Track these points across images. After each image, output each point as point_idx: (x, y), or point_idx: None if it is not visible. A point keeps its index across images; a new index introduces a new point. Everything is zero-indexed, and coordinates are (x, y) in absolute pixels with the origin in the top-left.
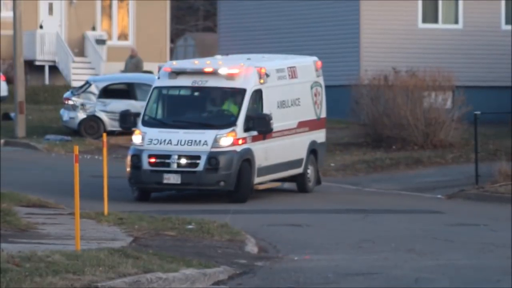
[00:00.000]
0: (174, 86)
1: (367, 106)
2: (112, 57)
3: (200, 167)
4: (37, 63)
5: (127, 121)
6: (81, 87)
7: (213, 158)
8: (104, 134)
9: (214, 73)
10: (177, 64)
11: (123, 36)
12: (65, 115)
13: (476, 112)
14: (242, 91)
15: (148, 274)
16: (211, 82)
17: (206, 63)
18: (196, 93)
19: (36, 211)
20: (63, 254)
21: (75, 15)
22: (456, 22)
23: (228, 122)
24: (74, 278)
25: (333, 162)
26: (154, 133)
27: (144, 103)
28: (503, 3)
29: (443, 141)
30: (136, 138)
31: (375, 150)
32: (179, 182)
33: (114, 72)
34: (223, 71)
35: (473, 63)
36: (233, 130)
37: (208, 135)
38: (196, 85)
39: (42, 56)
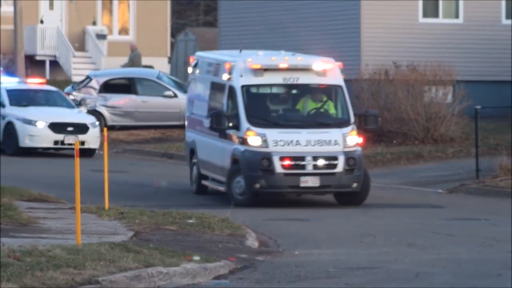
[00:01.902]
0: (265, 84)
1: (367, 101)
2: (112, 52)
3: (339, 168)
4: (37, 57)
5: (221, 123)
6: (82, 81)
7: (351, 158)
8: (105, 129)
9: (304, 70)
10: (265, 61)
11: (123, 30)
12: None
13: (476, 107)
14: (337, 88)
15: (149, 268)
16: (303, 79)
17: (297, 60)
18: (293, 91)
19: (37, 205)
20: (64, 249)
21: (76, 10)
22: (457, 16)
23: (342, 120)
24: (75, 272)
25: None
26: (275, 134)
27: (145, 98)
28: None
29: (444, 135)
30: (255, 140)
31: (376, 144)
32: (317, 185)
33: (114, 66)
34: (317, 67)
35: (474, 57)
36: (353, 129)
37: (333, 134)
38: (289, 82)
39: (42, 51)
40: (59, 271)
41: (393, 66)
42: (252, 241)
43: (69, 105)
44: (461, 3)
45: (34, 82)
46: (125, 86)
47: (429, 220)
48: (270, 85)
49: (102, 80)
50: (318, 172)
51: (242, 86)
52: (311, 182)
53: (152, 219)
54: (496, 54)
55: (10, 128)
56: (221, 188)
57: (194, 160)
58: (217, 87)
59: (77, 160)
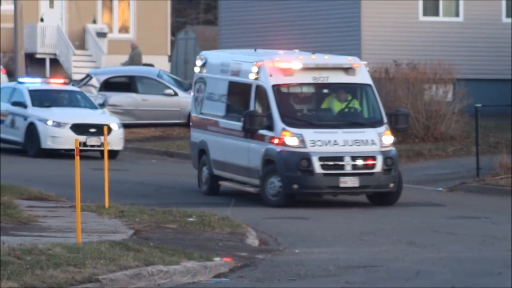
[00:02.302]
0: (295, 83)
1: None
2: (113, 50)
3: (378, 168)
4: (38, 56)
5: (255, 123)
6: (82, 80)
7: (389, 158)
8: (105, 127)
9: (333, 69)
10: (293, 60)
11: (124, 29)
12: None
13: (477, 105)
14: (367, 87)
15: (149, 266)
16: (333, 78)
17: (325, 59)
18: (324, 90)
19: (37, 204)
20: (64, 247)
21: (76, 8)
22: (457, 15)
23: (375, 120)
24: (75, 270)
25: None
26: (311, 134)
27: (145, 96)
28: None
29: (444, 133)
30: (291, 140)
31: None
32: (356, 185)
33: (115, 65)
34: (346, 66)
35: (474, 56)
36: (387, 128)
37: (369, 134)
38: (319, 81)
39: (43, 49)
40: (59, 270)
41: (394, 64)
42: (252, 240)
43: (92, 106)
44: (461, 2)
45: (57, 83)
46: (126, 84)
47: (429, 219)
48: (301, 85)
49: (102, 78)
50: (357, 172)
51: (273, 86)
52: (350, 182)
53: (153, 217)
54: (496, 53)
55: (32, 129)
56: (250, 189)
57: (204, 161)
58: (237, 87)
59: (77, 158)
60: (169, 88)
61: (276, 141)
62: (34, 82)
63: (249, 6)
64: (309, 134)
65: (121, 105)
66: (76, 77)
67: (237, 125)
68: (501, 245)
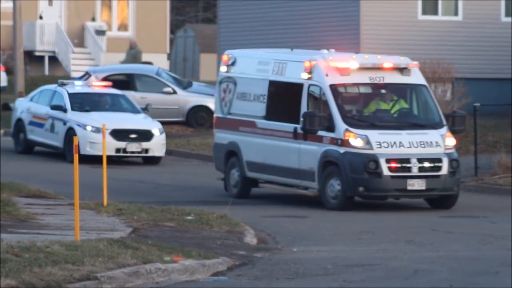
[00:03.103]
0: (352, 83)
1: None
2: (112, 48)
3: (444, 171)
4: (36, 53)
5: (316, 123)
6: (81, 77)
7: (454, 160)
8: (104, 125)
9: (389, 69)
10: (347, 59)
11: (123, 27)
12: None
13: (475, 104)
14: (423, 87)
15: (147, 264)
16: (389, 78)
17: (378, 59)
18: (381, 90)
19: (36, 201)
20: (62, 245)
21: (75, 6)
22: (456, 14)
23: (435, 121)
24: (74, 268)
25: None
26: (376, 135)
27: (144, 94)
28: None
29: None
30: (356, 142)
31: None
32: (423, 188)
33: (113, 63)
34: (401, 66)
35: (473, 55)
36: (448, 130)
37: (433, 136)
38: (376, 81)
39: (42, 47)
40: (57, 267)
41: None
42: (250, 238)
43: (134, 110)
44: (460, 1)
45: (99, 86)
46: (124, 82)
47: (428, 217)
48: (357, 85)
49: (101, 76)
50: (424, 175)
51: (331, 86)
52: (417, 185)
53: (151, 215)
54: (495, 52)
55: (71, 134)
56: (306, 192)
57: (234, 163)
58: (281, 87)
59: (76, 156)
60: (168, 86)
61: (338, 142)
62: (74, 85)
63: (248, 4)
64: (374, 135)
65: None
66: (75, 74)
67: (282, 125)
68: (500, 244)
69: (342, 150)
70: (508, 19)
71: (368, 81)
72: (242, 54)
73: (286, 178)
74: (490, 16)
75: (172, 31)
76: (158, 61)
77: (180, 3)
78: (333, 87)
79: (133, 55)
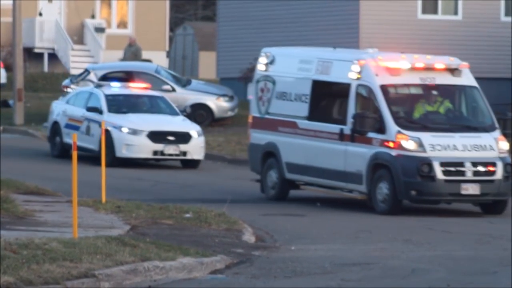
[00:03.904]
0: (403, 84)
1: None
2: (111, 45)
3: (498, 175)
4: (36, 50)
5: (367, 125)
6: (80, 75)
7: (508, 165)
8: (103, 122)
9: (439, 70)
10: (397, 59)
11: (122, 24)
12: None
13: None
14: (474, 89)
15: (145, 262)
16: (440, 79)
17: (428, 59)
18: (432, 92)
19: (34, 198)
20: (60, 242)
21: (75, 3)
22: (456, 13)
23: (487, 124)
24: (71, 265)
25: None
26: (429, 138)
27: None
28: None
29: None
30: (409, 144)
31: None
32: (478, 192)
33: (113, 60)
34: (452, 67)
35: (473, 54)
36: (500, 133)
37: (486, 139)
38: (427, 82)
39: (41, 44)
40: (55, 264)
41: None
42: (248, 236)
43: (173, 112)
44: (460, 1)
45: (137, 87)
46: (123, 79)
47: (425, 217)
48: (408, 85)
49: (101, 73)
50: (478, 179)
51: (381, 86)
52: (472, 189)
53: (149, 213)
54: (495, 51)
55: (107, 136)
56: (354, 195)
57: (272, 164)
58: (326, 86)
59: (75, 153)
60: (167, 84)
61: (390, 144)
62: (112, 87)
63: (247, 2)
64: (427, 137)
65: None
66: (74, 71)
67: (326, 126)
68: (497, 244)
69: (393, 152)
70: (508, 18)
71: (419, 82)
72: (282, 52)
73: (330, 180)
74: (489, 15)
75: (172, 29)
76: (157, 58)
77: (180, 0)
78: (384, 88)
79: (134, 53)
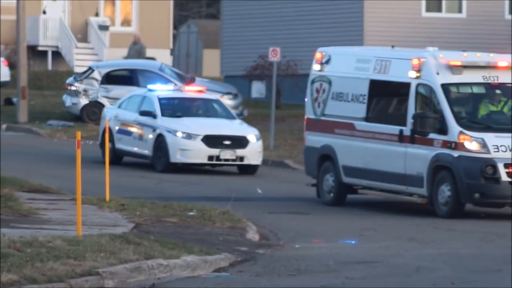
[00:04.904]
0: (465, 83)
1: None
2: (115, 43)
3: None
4: (40, 48)
5: (427, 125)
6: (84, 73)
7: None
8: (106, 120)
9: (503, 68)
10: (458, 57)
11: (126, 22)
12: (68, 100)
13: None
14: None
15: (149, 260)
16: (503, 78)
17: (490, 57)
18: (496, 91)
19: (38, 196)
20: (64, 240)
21: (79, 1)
22: (460, 11)
23: None
24: (75, 263)
25: None
26: (492, 138)
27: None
28: None
29: None
30: (472, 145)
31: None
32: None
33: (117, 58)
34: None
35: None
36: None
37: None
38: (489, 81)
39: (45, 42)
40: (59, 262)
41: None
42: (252, 234)
43: (229, 116)
44: None
45: (192, 90)
46: (127, 77)
47: (430, 215)
48: (470, 84)
49: (104, 71)
50: None
51: (442, 85)
52: None
53: (153, 211)
54: (499, 49)
55: (160, 141)
56: (415, 199)
57: (328, 168)
58: (384, 86)
59: (78, 151)
60: (171, 81)
61: (452, 145)
62: (165, 90)
63: (251, 1)
64: (491, 138)
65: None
66: (78, 70)
67: (385, 127)
68: (502, 242)
69: (455, 154)
70: None
71: (481, 80)
72: (338, 51)
73: (389, 183)
74: (494, 13)
75: (175, 27)
76: (161, 56)
77: None
78: (445, 87)
79: (138, 50)
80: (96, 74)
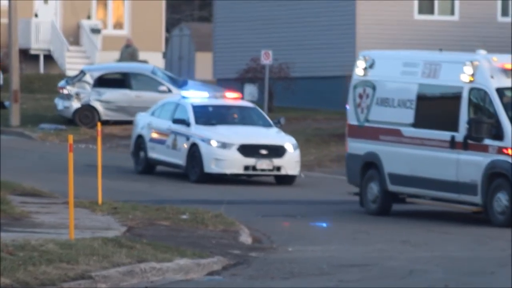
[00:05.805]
0: None
1: None
2: (107, 46)
3: None
4: (32, 51)
5: (483, 131)
6: (76, 76)
7: None
8: (99, 124)
9: None
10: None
11: (118, 25)
12: (60, 104)
13: None
14: None
15: (142, 263)
16: None
17: None
18: None
19: (30, 199)
20: (57, 243)
21: (71, 4)
22: (452, 13)
23: None
24: (68, 267)
25: (328, 153)
26: None
27: (139, 93)
28: None
29: None
30: None
31: None
32: None
33: (109, 61)
34: None
35: None
36: None
37: None
38: None
39: (37, 45)
40: (52, 266)
41: None
42: (245, 237)
43: (266, 124)
44: (456, 1)
45: (228, 97)
46: (119, 80)
47: (423, 217)
48: None
49: (96, 74)
50: None
51: (497, 89)
52: None
53: (146, 214)
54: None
55: (194, 150)
56: (466, 207)
57: (373, 176)
58: (434, 90)
59: (71, 155)
60: (163, 85)
61: (509, 151)
62: (200, 97)
63: (244, 3)
64: None
65: (114, 102)
66: (70, 73)
67: (435, 133)
68: (495, 244)
69: None
70: (504, 19)
71: None
72: (382, 55)
73: (439, 191)
74: (486, 16)
75: (168, 30)
76: (153, 59)
77: (176, 1)
78: (500, 91)
79: (130, 53)
80: (88, 78)
